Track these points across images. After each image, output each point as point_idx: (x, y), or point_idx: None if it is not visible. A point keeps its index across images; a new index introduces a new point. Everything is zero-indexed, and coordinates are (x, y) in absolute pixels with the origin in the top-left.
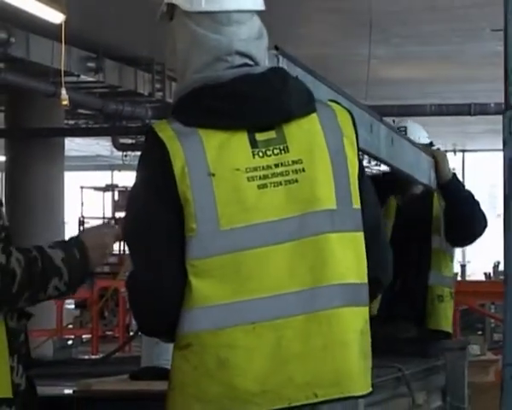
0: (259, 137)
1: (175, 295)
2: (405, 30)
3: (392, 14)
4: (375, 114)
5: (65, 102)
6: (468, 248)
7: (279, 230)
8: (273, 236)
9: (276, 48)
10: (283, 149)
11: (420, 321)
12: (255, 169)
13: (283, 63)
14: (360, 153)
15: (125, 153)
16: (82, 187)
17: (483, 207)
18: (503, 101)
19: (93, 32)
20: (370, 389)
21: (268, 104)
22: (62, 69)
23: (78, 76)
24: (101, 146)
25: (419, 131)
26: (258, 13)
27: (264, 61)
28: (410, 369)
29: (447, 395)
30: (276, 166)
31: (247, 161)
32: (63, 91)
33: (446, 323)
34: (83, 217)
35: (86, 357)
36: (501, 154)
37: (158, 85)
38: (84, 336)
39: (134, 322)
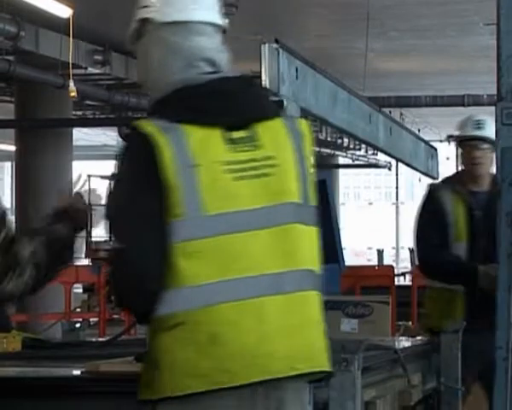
0: (234, 134)
1: (158, 276)
2: (402, 24)
3: (388, 8)
4: (373, 105)
5: (73, 94)
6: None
7: (254, 217)
8: (250, 223)
9: (277, 41)
10: (256, 147)
11: None
12: (230, 163)
13: (283, 56)
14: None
15: None
16: (89, 175)
17: None
18: (495, 92)
19: (100, 26)
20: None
21: (241, 105)
22: (70, 62)
23: (86, 68)
24: (107, 136)
25: None
26: (221, 32)
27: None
28: (405, 351)
29: (441, 376)
30: (250, 161)
31: (223, 156)
32: (71, 83)
33: None
34: (90, 204)
35: (94, 339)
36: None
37: None
38: (91, 320)
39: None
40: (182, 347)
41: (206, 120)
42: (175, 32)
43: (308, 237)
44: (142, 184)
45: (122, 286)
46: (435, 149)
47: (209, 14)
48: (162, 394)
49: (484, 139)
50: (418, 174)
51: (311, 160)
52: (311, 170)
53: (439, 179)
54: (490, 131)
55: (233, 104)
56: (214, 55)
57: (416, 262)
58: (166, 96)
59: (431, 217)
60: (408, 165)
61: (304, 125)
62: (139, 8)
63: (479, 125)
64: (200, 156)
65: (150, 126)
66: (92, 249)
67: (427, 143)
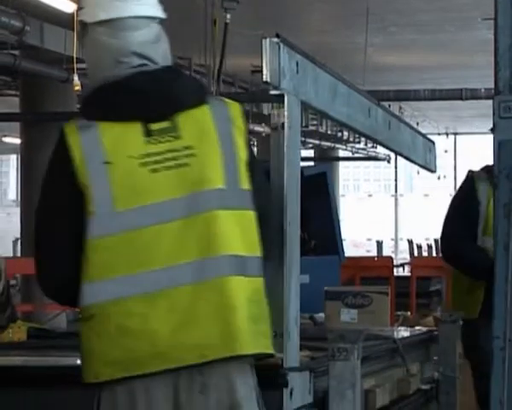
0: (154, 126)
1: (70, 271)
2: (401, 19)
3: (388, 3)
4: (372, 98)
5: (77, 88)
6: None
7: (170, 209)
8: (164, 214)
9: (277, 36)
10: (176, 137)
11: None
12: (148, 156)
13: (284, 50)
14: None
15: None
16: None
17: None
18: (493, 86)
19: None
20: (267, 351)
21: (160, 97)
22: (75, 56)
23: None
24: None
25: None
26: (159, 21)
27: (165, 62)
28: (404, 341)
29: (439, 365)
30: (169, 152)
31: (140, 149)
32: (75, 77)
33: None
34: None
35: None
36: (491, 137)
37: None
38: None
39: None
40: (97, 337)
41: (121, 115)
42: (103, 32)
43: (233, 222)
44: (58, 184)
45: (39, 283)
46: (433, 143)
47: (138, 8)
48: (88, 379)
49: None
50: (417, 167)
51: (243, 143)
52: (243, 153)
53: (480, 167)
54: None
55: (151, 97)
56: (145, 47)
57: (440, 248)
58: (87, 95)
59: (463, 205)
60: (406, 158)
61: (234, 109)
62: (78, 10)
63: None
64: (113, 153)
65: (69, 127)
66: None
67: (425, 136)
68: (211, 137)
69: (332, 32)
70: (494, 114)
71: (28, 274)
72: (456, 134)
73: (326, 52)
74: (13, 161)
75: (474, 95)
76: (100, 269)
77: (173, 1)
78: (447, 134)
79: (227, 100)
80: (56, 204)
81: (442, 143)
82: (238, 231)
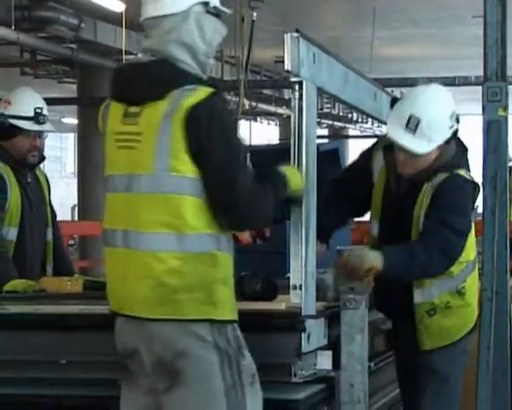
0: (130, 109)
1: None
2: (402, 16)
3: (392, 2)
4: (378, 84)
5: None
6: None
7: (118, 182)
8: (114, 186)
9: (297, 31)
10: (135, 123)
11: None
12: (119, 134)
13: (303, 43)
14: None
15: None
16: None
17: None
18: (482, 74)
19: None
20: (164, 316)
21: (136, 85)
22: (123, 49)
23: (136, 54)
24: None
25: None
26: (179, 14)
27: (191, 53)
28: None
29: None
30: (128, 134)
31: (117, 127)
32: None
33: None
34: None
35: None
36: (480, 118)
37: None
38: None
39: None
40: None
41: (114, 96)
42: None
43: (157, 203)
44: None
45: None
46: None
47: (150, 10)
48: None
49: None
50: None
51: (181, 135)
52: (178, 144)
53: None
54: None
55: (131, 84)
56: (152, 42)
57: None
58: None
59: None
60: None
61: (187, 102)
62: None
63: None
64: (108, 127)
65: (107, 101)
66: None
67: None
68: (153, 128)
69: (343, 28)
70: (483, 98)
71: (84, 235)
72: None
73: (338, 45)
74: (71, 138)
75: (465, 81)
76: (103, 215)
77: None
78: None
79: (196, 91)
80: None
81: None
82: (162, 212)
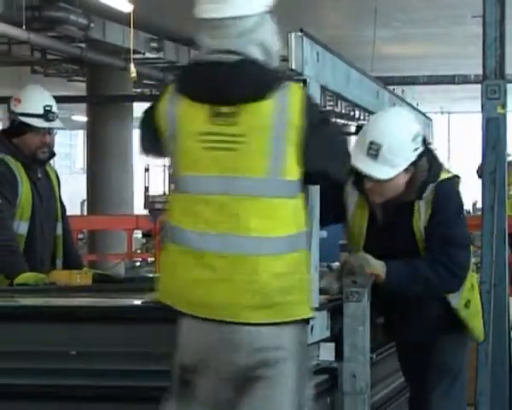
0: (220, 109)
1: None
2: (404, 16)
3: (393, 2)
4: (380, 83)
5: (133, 75)
6: None
7: (210, 184)
8: (201, 187)
9: (301, 30)
10: (232, 123)
11: None
12: (205, 134)
13: (306, 42)
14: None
15: None
16: None
17: (466, 162)
18: (481, 72)
19: (156, 19)
20: (267, 320)
21: (226, 85)
22: (131, 48)
23: (144, 54)
24: None
25: None
26: (257, 15)
27: (265, 53)
28: None
29: None
30: (222, 134)
31: (201, 127)
32: (132, 66)
33: None
34: (148, 165)
35: (151, 275)
36: (479, 115)
37: None
38: (149, 259)
39: None
40: (162, 264)
41: (194, 95)
42: (203, 25)
43: (262, 207)
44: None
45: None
46: (430, 120)
47: (228, 9)
48: (158, 297)
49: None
50: None
51: (295, 137)
52: (293, 146)
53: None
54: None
55: (218, 84)
56: (229, 43)
57: None
58: (180, 70)
59: None
60: None
61: (294, 102)
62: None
63: None
64: (184, 126)
65: (166, 94)
66: (150, 202)
67: (423, 114)
68: (264, 131)
69: (346, 27)
70: (482, 95)
71: (93, 229)
72: (449, 113)
73: (341, 44)
74: (80, 135)
75: (464, 80)
76: (171, 214)
77: None
78: (442, 112)
79: (292, 89)
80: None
81: (437, 121)
82: (262, 217)
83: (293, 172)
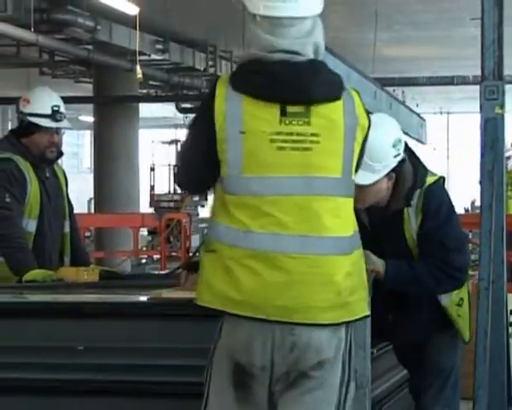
0: (290, 109)
1: (194, 179)
2: (404, 18)
3: (393, 5)
4: (378, 84)
5: (139, 76)
6: (451, 191)
7: (287, 185)
8: (282, 188)
9: None
10: (306, 123)
11: None
12: (278, 134)
13: None
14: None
15: (185, 115)
16: (152, 141)
17: (464, 161)
18: (479, 74)
19: (161, 22)
20: (340, 320)
21: (296, 85)
22: (137, 50)
23: (149, 55)
24: (166, 110)
25: None
26: (315, 16)
27: (315, 53)
28: None
29: None
30: (297, 134)
31: (273, 127)
32: (138, 67)
33: None
34: (153, 164)
35: (156, 272)
36: (478, 115)
37: (211, 62)
38: (154, 257)
39: (193, 245)
40: (210, 268)
41: (262, 94)
42: (260, 23)
43: (337, 207)
44: (201, 134)
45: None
46: (424, 120)
47: (294, 9)
48: (199, 302)
49: None
50: (412, 140)
51: (361, 138)
52: (358, 148)
53: None
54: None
55: (288, 84)
56: (293, 44)
57: None
58: (239, 66)
59: None
60: (404, 132)
61: (358, 105)
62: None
63: None
64: (249, 125)
65: (221, 87)
66: (155, 200)
67: (418, 115)
68: (337, 130)
69: (348, 30)
70: (481, 96)
71: (100, 227)
72: (448, 113)
73: (343, 46)
74: (87, 135)
75: (463, 81)
76: (225, 216)
77: (217, 5)
78: (441, 112)
79: (352, 92)
80: (196, 135)
81: (436, 120)
82: (337, 216)
83: (354, 171)
